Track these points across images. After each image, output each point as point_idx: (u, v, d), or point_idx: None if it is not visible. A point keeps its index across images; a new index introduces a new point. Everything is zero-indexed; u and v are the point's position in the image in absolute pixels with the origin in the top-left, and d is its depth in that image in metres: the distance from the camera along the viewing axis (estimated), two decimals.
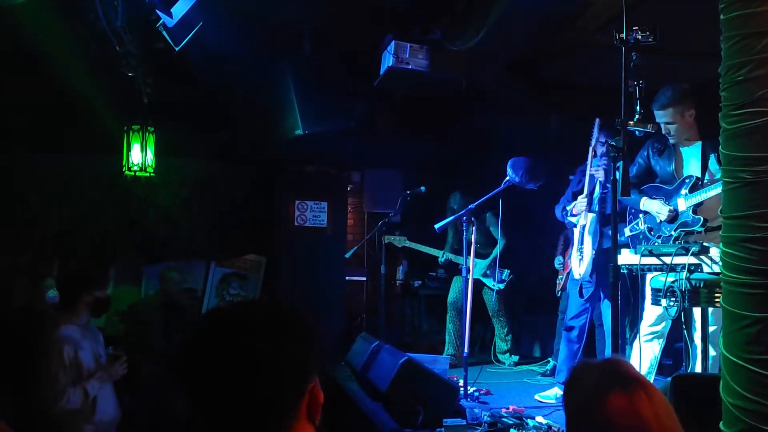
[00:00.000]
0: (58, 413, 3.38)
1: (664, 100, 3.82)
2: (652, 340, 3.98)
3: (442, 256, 6.40)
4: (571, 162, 4.95)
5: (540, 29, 4.51)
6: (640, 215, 4.04)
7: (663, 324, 3.94)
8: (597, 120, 4.38)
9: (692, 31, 3.98)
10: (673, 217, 3.81)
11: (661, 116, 3.86)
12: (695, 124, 3.90)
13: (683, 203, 3.78)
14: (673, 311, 3.29)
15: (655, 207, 3.90)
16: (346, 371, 5.19)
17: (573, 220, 4.63)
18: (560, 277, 6.21)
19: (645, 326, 3.99)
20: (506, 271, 6.27)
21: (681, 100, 3.82)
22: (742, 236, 2.07)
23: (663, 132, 3.91)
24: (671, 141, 3.98)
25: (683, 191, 3.80)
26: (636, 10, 3.69)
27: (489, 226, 6.28)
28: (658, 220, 3.89)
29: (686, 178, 3.84)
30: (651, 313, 3.94)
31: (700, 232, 3.68)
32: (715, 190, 3.53)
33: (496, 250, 6.14)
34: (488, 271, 6.20)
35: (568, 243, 6.28)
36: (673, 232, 3.79)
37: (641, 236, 4.01)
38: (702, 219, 3.66)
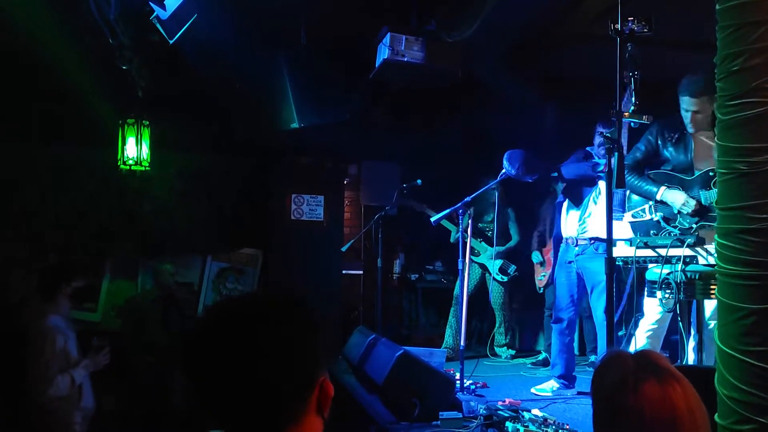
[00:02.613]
0: (48, 400, 3.56)
1: (700, 87, 3.63)
2: (652, 335, 3.95)
3: (456, 233, 6.37)
4: (567, 154, 4.94)
5: (536, 19, 4.49)
6: (651, 203, 3.87)
7: (665, 321, 3.90)
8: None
9: (688, 22, 3.95)
10: (698, 210, 3.66)
11: (691, 104, 3.69)
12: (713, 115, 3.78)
13: (708, 197, 3.64)
14: (669, 303, 3.28)
15: (680, 199, 3.71)
16: (342, 364, 5.20)
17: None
18: (543, 274, 6.21)
19: (647, 321, 3.95)
20: (513, 266, 6.33)
21: (714, 88, 3.69)
22: (738, 227, 2.06)
23: (688, 120, 3.75)
24: (690, 130, 3.81)
25: (708, 185, 3.66)
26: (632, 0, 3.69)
27: (508, 221, 6.35)
28: (677, 211, 3.74)
29: (710, 170, 3.67)
30: (654, 309, 3.88)
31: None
32: None
33: (510, 244, 6.34)
34: (496, 261, 6.28)
35: (543, 239, 6.32)
36: (694, 225, 3.65)
37: (651, 225, 3.84)
38: None
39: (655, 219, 3.83)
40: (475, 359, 5.74)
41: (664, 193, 3.79)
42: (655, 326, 3.94)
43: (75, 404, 3.69)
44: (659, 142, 3.97)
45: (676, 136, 3.89)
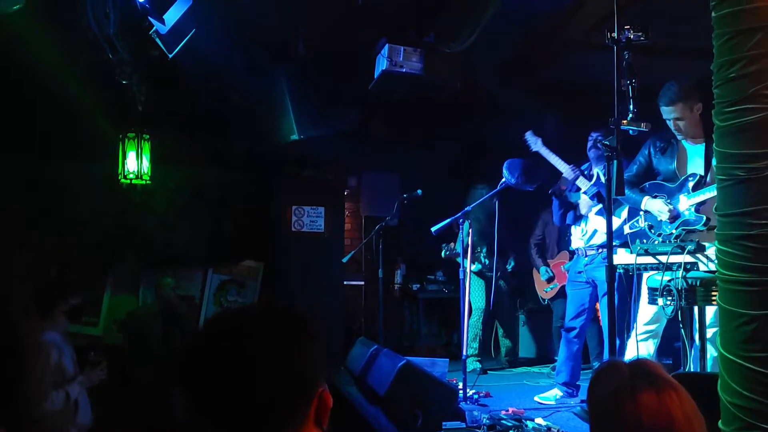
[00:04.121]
0: (42, 415, 3.54)
1: (672, 95, 3.72)
2: (647, 339, 3.95)
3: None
4: (566, 162, 4.96)
5: (534, 29, 4.52)
6: (641, 213, 3.99)
7: (658, 323, 3.92)
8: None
9: (684, 30, 3.97)
10: (675, 216, 3.76)
11: (669, 112, 3.75)
12: (701, 120, 3.79)
13: (685, 202, 3.73)
14: (669, 310, 3.29)
15: (657, 206, 3.84)
16: (345, 376, 5.19)
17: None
18: (551, 286, 6.23)
19: (640, 325, 3.95)
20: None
21: (689, 94, 3.72)
22: (738, 234, 2.07)
23: (673, 128, 3.82)
24: (679, 137, 3.87)
25: (686, 189, 3.75)
26: (630, 9, 3.72)
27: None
28: (659, 219, 3.85)
29: (690, 176, 3.77)
30: (646, 311, 3.92)
31: (701, 231, 3.64)
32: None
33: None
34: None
35: (543, 249, 6.36)
36: (674, 231, 3.74)
37: (642, 234, 3.95)
38: (705, 218, 3.62)
39: (644, 227, 3.95)
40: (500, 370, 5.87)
41: (647, 202, 3.93)
42: (651, 327, 3.94)
43: (70, 419, 3.69)
44: (651, 153, 4.04)
45: (664, 146, 3.98)
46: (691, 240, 3.45)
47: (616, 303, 3.24)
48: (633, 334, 3.95)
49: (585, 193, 4.70)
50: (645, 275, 3.79)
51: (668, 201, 3.82)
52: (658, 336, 4.00)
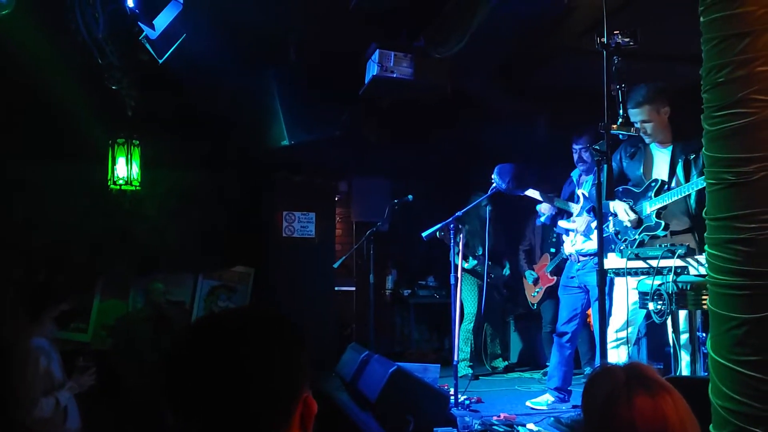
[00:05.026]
0: (32, 422, 3.51)
1: (639, 97, 3.74)
2: (618, 346, 3.89)
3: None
4: (557, 167, 4.97)
5: (523, 34, 4.52)
6: (610, 218, 3.98)
7: (630, 329, 3.87)
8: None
9: (674, 36, 3.99)
10: (638, 221, 3.79)
11: (636, 114, 3.76)
12: (669, 124, 3.82)
13: (648, 207, 3.76)
14: (641, 315, 3.29)
15: (620, 210, 3.85)
16: (335, 382, 5.17)
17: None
18: (537, 290, 6.24)
19: (611, 332, 3.91)
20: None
21: (656, 97, 3.74)
22: (727, 237, 2.07)
23: (639, 132, 3.81)
24: (647, 140, 3.89)
25: (648, 195, 3.78)
26: (621, 14, 3.73)
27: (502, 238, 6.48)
28: (624, 224, 3.86)
29: (652, 181, 3.80)
30: (617, 318, 3.90)
31: (665, 236, 3.67)
32: (678, 195, 3.54)
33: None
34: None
35: (532, 256, 6.39)
36: (637, 237, 3.76)
37: (611, 240, 3.95)
38: (663, 223, 3.66)
39: (611, 233, 3.96)
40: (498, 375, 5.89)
41: (614, 204, 3.91)
42: (622, 335, 3.88)
43: (59, 426, 3.65)
44: (621, 158, 4.07)
45: (633, 151, 3.99)
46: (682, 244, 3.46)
47: (607, 308, 3.24)
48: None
49: (578, 215, 4.71)
50: (616, 280, 3.81)
51: (634, 206, 3.84)
52: (630, 342, 3.98)
